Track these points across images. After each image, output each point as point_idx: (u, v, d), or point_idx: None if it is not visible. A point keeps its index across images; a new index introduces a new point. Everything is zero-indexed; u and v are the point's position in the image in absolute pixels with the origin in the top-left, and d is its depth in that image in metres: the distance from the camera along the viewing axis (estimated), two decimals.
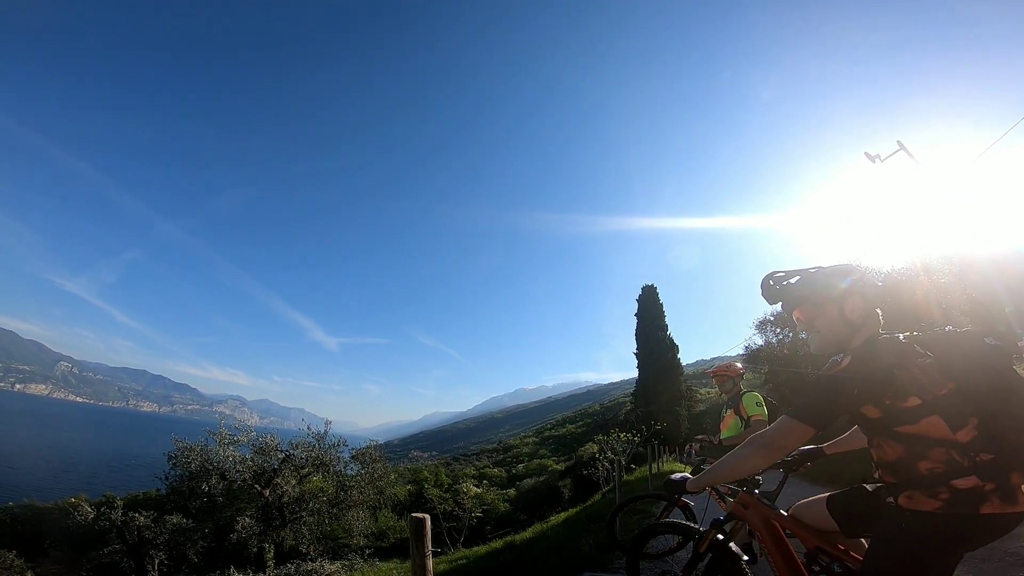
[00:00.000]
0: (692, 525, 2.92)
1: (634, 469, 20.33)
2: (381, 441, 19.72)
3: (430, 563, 2.92)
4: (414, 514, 2.92)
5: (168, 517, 16.69)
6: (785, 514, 2.28)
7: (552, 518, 16.13)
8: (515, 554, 8.51)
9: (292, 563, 13.73)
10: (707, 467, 4.87)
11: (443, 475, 31.72)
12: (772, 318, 24.50)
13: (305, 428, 16.06)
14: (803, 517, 2.24)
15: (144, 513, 16.78)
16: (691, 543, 2.63)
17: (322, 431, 15.94)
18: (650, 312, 42.86)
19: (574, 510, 15.27)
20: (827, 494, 2.21)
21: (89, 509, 17.21)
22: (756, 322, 25.24)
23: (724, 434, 5.28)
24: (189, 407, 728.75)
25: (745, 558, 2.39)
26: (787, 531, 2.25)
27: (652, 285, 44.30)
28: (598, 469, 22.58)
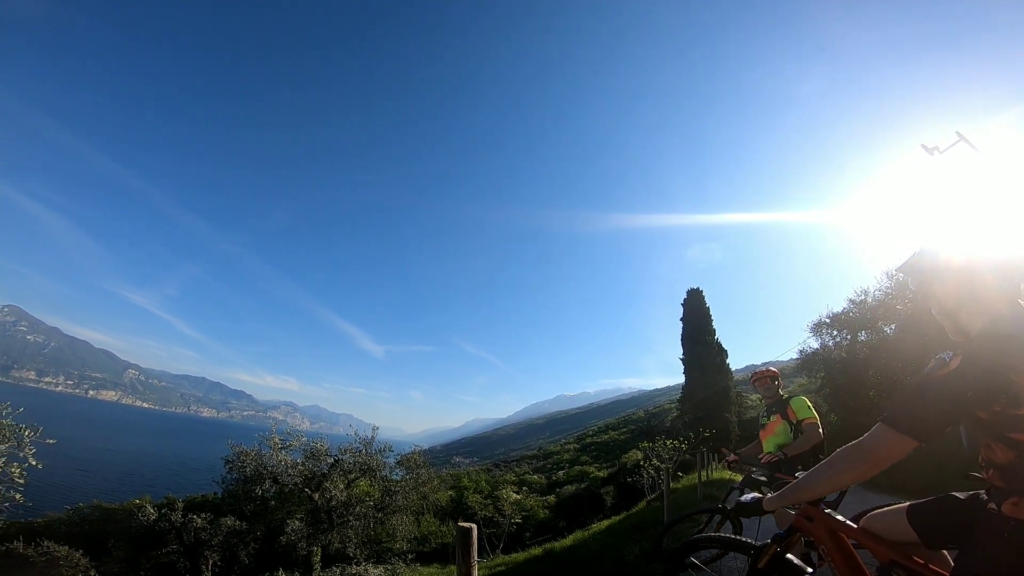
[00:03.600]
0: (743, 539, 2.78)
1: (681, 477, 19.69)
2: (424, 447, 20.01)
3: (476, 572, 2.90)
4: (461, 523, 2.90)
5: (223, 519, 17.47)
6: (854, 525, 2.12)
7: (594, 525, 15.84)
8: (555, 561, 8.38)
9: (338, 566, 14.03)
10: (758, 477, 4.62)
11: (483, 481, 31.75)
12: (828, 320, 23.25)
13: (353, 434, 16.53)
14: (876, 528, 2.07)
15: (201, 515, 17.64)
16: (730, 553, 2.49)
17: (369, 437, 16.34)
18: (696, 316, 41.62)
19: (617, 518, 14.90)
20: (905, 503, 2.03)
21: (152, 510, 18.23)
22: (811, 325, 24.02)
23: (772, 441, 4.96)
24: (245, 413, 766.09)
25: (809, 570, 2.25)
26: (855, 543, 2.10)
27: (698, 289, 43.10)
28: (643, 477, 21.98)
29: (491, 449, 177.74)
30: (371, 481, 16.46)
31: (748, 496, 2.31)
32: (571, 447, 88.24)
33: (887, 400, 18.46)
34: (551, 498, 31.74)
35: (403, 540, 16.10)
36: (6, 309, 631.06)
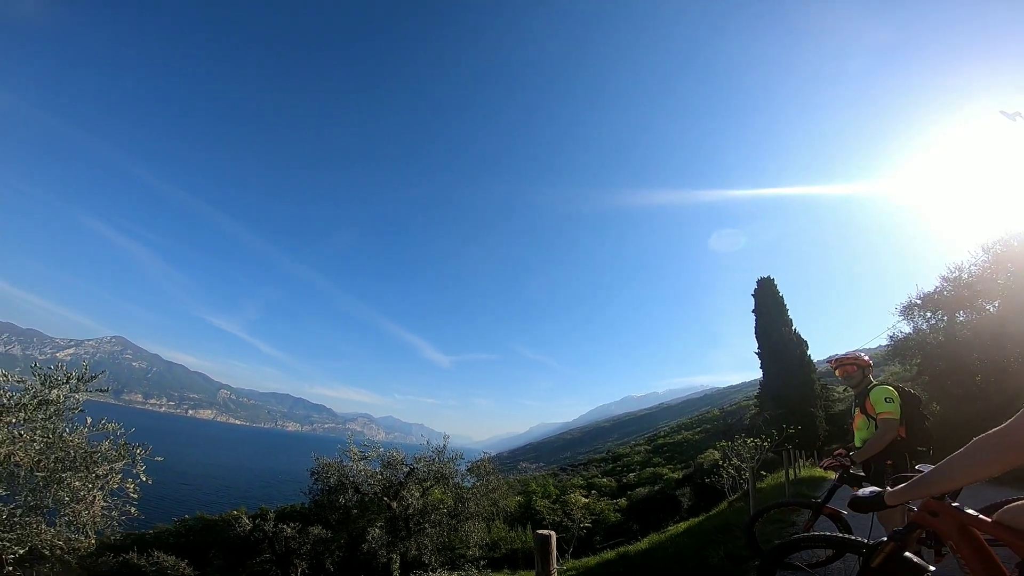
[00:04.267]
0: (854, 538, 2.57)
1: (765, 476, 18.60)
2: (492, 453, 20.21)
3: None
4: (539, 531, 2.89)
5: (311, 528, 18.47)
6: (988, 519, 1.91)
7: (670, 528, 15.29)
8: (629, 565, 8.14)
9: (415, 573, 14.40)
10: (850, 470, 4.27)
11: (551, 486, 31.54)
12: (919, 301, 21.05)
13: (425, 443, 17.02)
14: (1014, 523, 1.86)
15: (291, 524, 18.74)
16: (841, 554, 2.29)
17: (441, 445, 16.76)
18: (769, 307, 39.30)
19: (697, 520, 14.29)
20: None
21: (247, 521, 19.56)
22: (900, 307, 21.82)
23: (858, 436, 4.63)
24: (326, 425, 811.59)
25: (932, 568, 2.05)
26: (989, 539, 1.90)
27: (769, 277, 40.71)
28: (722, 477, 20.96)
29: (557, 453, 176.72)
30: (444, 489, 16.83)
31: (866, 490, 2.15)
32: (642, 448, 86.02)
33: (995, 385, 16.56)
34: (622, 501, 31.00)
35: (476, 546, 16.30)
36: (113, 339, 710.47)
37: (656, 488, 35.82)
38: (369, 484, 15.99)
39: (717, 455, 33.19)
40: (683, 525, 14.22)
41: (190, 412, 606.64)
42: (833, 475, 4.69)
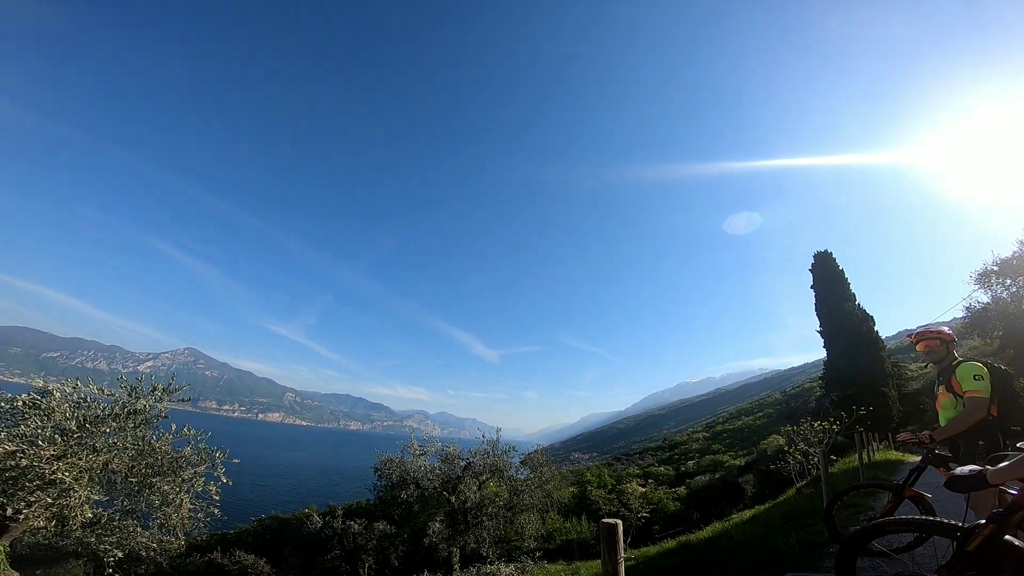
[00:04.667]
0: (947, 521, 2.45)
1: (836, 461, 17.69)
2: (544, 445, 20.31)
3: (622, 569, 2.87)
4: (605, 520, 2.91)
5: (376, 524, 19.24)
6: None
7: (734, 516, 14.85)
8: (691, 554, 8.00)
9: (474, 566, 14.70)
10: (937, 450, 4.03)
11: (606, 476, 31.26)
12: (996, 267, 19.26)
13: (481, 437, 17.35)
14: None
15: (358, 521, 19.58)
16: (926, 538, 2.17)
17: (494, 438, 17.04)
18: (829, 282, 37.18)
19: (763, 507, 13.81)
20: None
21: (318, 519, 20.58)
22: (975, 275, 20.12)
23: (943, 416, 4.32)
24: (385, 423, 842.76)
25: None
26: None
27: (826, 251, 38.52)
28: (788, 463, 20.12)
29: (610, 443, 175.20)
30: (499, 481, 17.12)
31: (965, 469, 2.06)
32: (700, 436, 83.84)
33: None
34: (681, 490, 30.31)
35: (531, 538, 16.50)
36: (186, 351, 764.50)
37: (717, 476, 34.82)
38: (428, 479, 16.50)
39: (781, 440, 31.85)
40: (748, 513, 13.81)
41: (260, 416, 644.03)
42: (913, 457, 4.45)
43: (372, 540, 18.65)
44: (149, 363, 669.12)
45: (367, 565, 18.39)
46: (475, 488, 16.84)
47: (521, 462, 17.96)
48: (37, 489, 8.23)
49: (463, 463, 16.99)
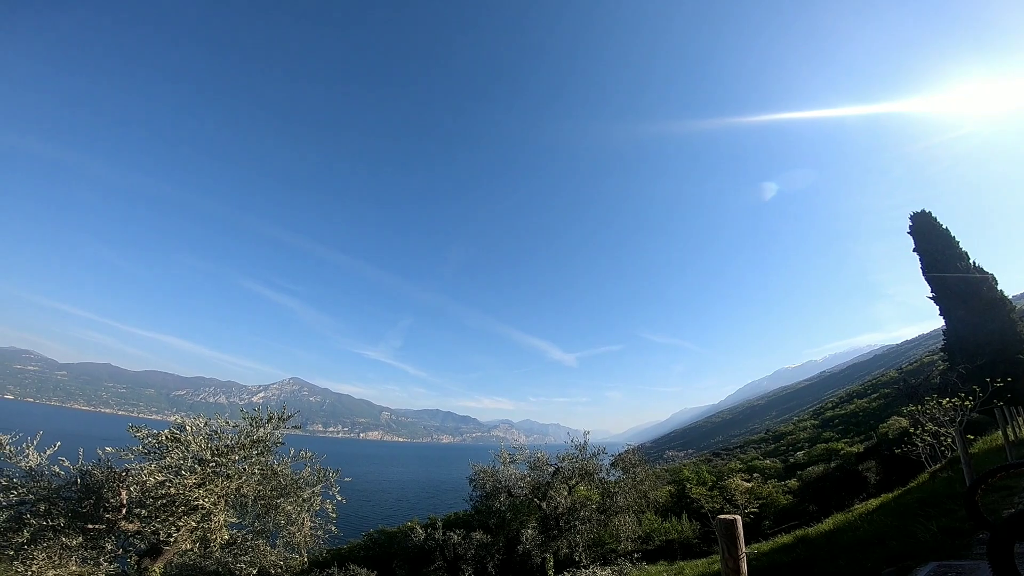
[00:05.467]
0: None
1: (973, 440, 15.70)
2: (634, 444, 19.87)
3: (744, 565, 2.84)
4: (722, 516, 2.92)
5: (473, 533, 19.77)
6: None
7: (857, 506, 13.67)
8: (810, 548, 7.54)
9: (568, 571, 14.63)
10: None
11: (705, 473, 29.69)
12: None
13: (569, 441, 17.41)
14: None
15: (456, 531, 20.19)
16: None
17: (582, 441, 17.01)
18: (934, 243, 33.27)
19: (891, 495, 12.62)
20: None
21: (420, 531, 21.46)
22: None
23: None
24: (473, 435, 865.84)
25: None
26: None
27: (925, 211, 34.70)
28: (916, 445, 18.15)
29: (707, 439, 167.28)
30: (590, 485, 17.03)
31: None
32: (807, 424, 77.62)
33: None
34: (792, 482, 28.16)
35: (627, 540, 16.20)
36: (291, 380, 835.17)
37: (832, 465, 32.02)
38: (519, 487, 16.79)
39: (904, 422, 28.80)
40: (874, 502, 12.83)
41: (361, 435, 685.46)
42: None
43: (471, 550, 19.15)
44: (261, 394, 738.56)
45: (467, 574, 18.92)
46: (565, 493, 16.88)
47: (612, 464, 17.77)
48: (183, 515, 9.49)
49: (552, 468, 17.12)
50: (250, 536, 11.54)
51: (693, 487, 24.43)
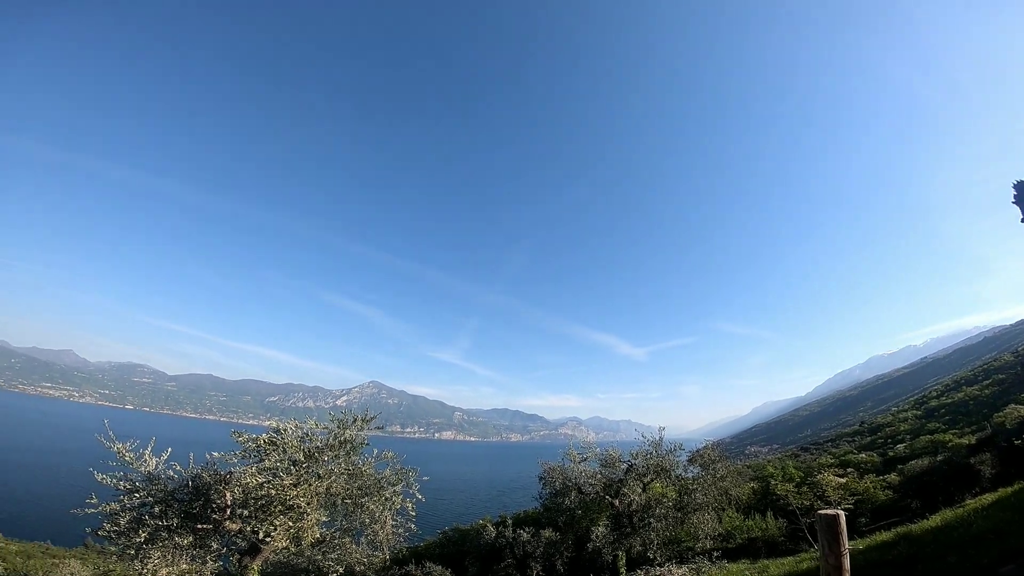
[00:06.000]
0: None
1: None
2: (712, 440, 19.13)
3: (847, 562, 2.75)
4: (823, 511, 2.85)
5: (543, 531, 19.88)
6: None
7: (969, 502, 12.44)
8: (914, 546, 6.97)
9: (642, 569, 14.34)
10: None
11: (791, 468, 27.82)
12: None
13: (640, 437, 17.12)
14: None
15: (526, 529, 20.40)
16: None
17: (657, 438, 16.63)
18: None
19: (1010, 489, 11.38)
20: None
21: (492, 529, 21.88)
22: None
23: None
24: (541, 433, 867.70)
25: None
26: None
27: None
28: None
29: (793, 433, 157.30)
30: (666, 481, 16.59)
31: None
32: (908, 414, 70.85)
33: None
34: (892, 477, 25.79)
35: (706, 538, 15.64)
36: (370, 384, 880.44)
37: (938, 458, 29.00)
38: (590, 484, 16.68)
39: None
40: (990, 497, 11.74)
41: (436, 435, 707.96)
42: None
43: (539, 547, 19.30)
44: (344, 398, 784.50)
45: (535, 572, 19.08)
46: (639, 490, 16.59)
47: (689, 460, 17.22)
48: (280, 514, 10.27)
49: (624, 465, 16.87)
50: (338, 534, 12.17)
51: (778, 483, 23.04)
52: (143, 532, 9.96)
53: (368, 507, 11.49)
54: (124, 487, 10.59)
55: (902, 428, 61.50)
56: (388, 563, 20.55)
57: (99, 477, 10.45)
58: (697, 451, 17.78)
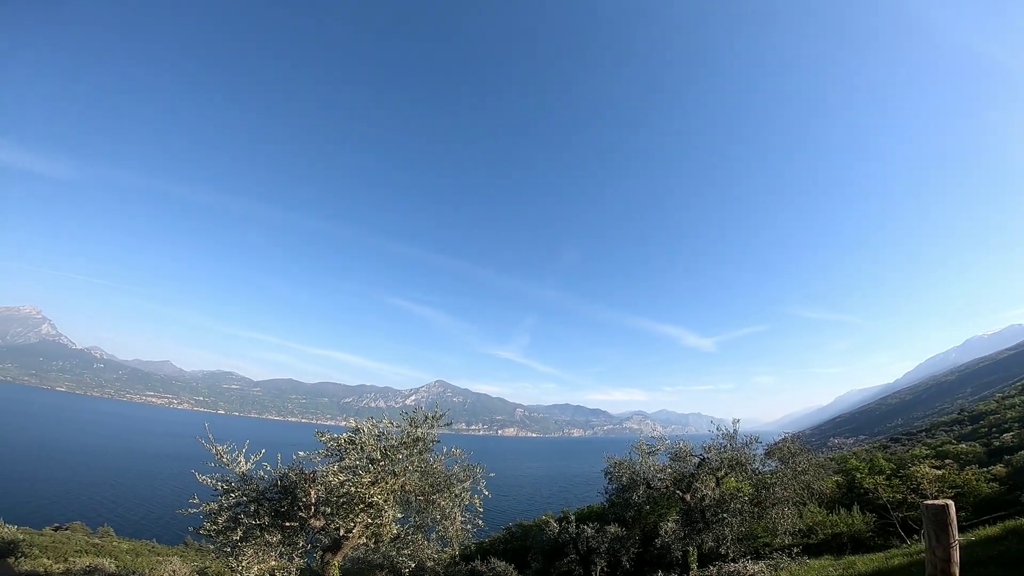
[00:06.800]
0: None
1: None
2: (790, 432, 18.20)
3: (957, 554, 2.64)
4: (930, 502, 2.76)
5: (608, 527, 19.65)
6: None
7: None
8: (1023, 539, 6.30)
9: (714, 565, 13.90)
10: None
11: (880, 460, 25.75)
12: None
13: (711, 430, 16.63)
14: None
15: (590, 525, 20.26)
16: None
17: (731, 431, 16.09)
18: None
19: None
20: None
21: (554, 524, 21.91)
22: None
23: None
24: (605, 427, 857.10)
25: None
26: None
27: None
28: None
29: (881, 423, 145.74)
30: (741, 476, 15.97)
31: None
32: (1016, 401, 63.88)
33: None
34: (997, 468, 23.32)
35: (785, 534, 14.90)
36: (436, 383, 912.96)
37: None
38: (659, 479, 16.34)
39: None
40: None
41: (499, 432, 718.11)
42: None
43: (604, 543, 19.14)
44: (412, 397, 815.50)
45: (599, 567, 18.91)
46: (713, 484, 16.08)
47: (766, 453, 16.48)
48: (360, 511, 10.75)
49: (696, 459, 16.41)
50: (411, 530, 12.51)
51: (865, 476, 21.46)
52: (239, 530, 10.45)
53: (439, 503, 11.77)
54: (222, 487, 11.20)
55: (1009, 415, 55.49)
56: (457, 558, 21.05)
57: (200, 478, 11.21)
58: (775, 444, 16.96)
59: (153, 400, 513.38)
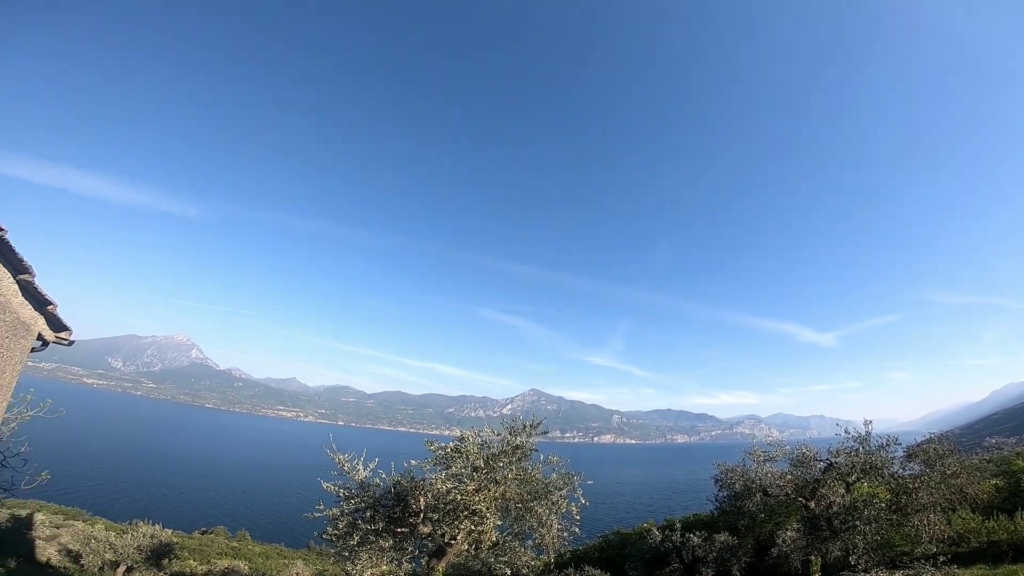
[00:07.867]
0: None
1: None
2: (936, 432, 15.90)
3: None
4: None
5: (716, 535, 18.36)
6: None
7: None
8: None
9: (841, 575, 12.41)
10: None
11: None
12: None
13: (838, 433, 15.22)
14: None
15: (696, 533, 19.10)
16: None
17: (863, 432, 14.74)
18: None
19: None
20: None
21: (656, 533, 20.91)
22: None
23: None
24: (712, 433, 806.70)
25: None
26: None
27: None
28: None
29: None
30: (875, 480, 14.28)
31: None
32: None
33: None
34: None
35: (930, 542, 13.10)
36: (530, 392, 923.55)
37: None
38: (778, 486, 15.09)
39: None
40: None
41: (595, 439, 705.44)
42: None
43: (712, 552, 17.97)
44: (508, 407, 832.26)
45: None
46: (842, 491, 14.55)
47: (907, 456, 14.58)
48: (465, 518, 11.08)
49: (822, 464, 14.96)
50: (509, 537, 12.63)
51: None
52: (356, 535, 11.16)
53: (536, 511, 11.79)
54: (343, 494, 12.06)
55: None
56: (552, 566, 20.86)
57: (324, 486, 12.22)
58: (918, 445, 14.93)
59: (283, 414, 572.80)
